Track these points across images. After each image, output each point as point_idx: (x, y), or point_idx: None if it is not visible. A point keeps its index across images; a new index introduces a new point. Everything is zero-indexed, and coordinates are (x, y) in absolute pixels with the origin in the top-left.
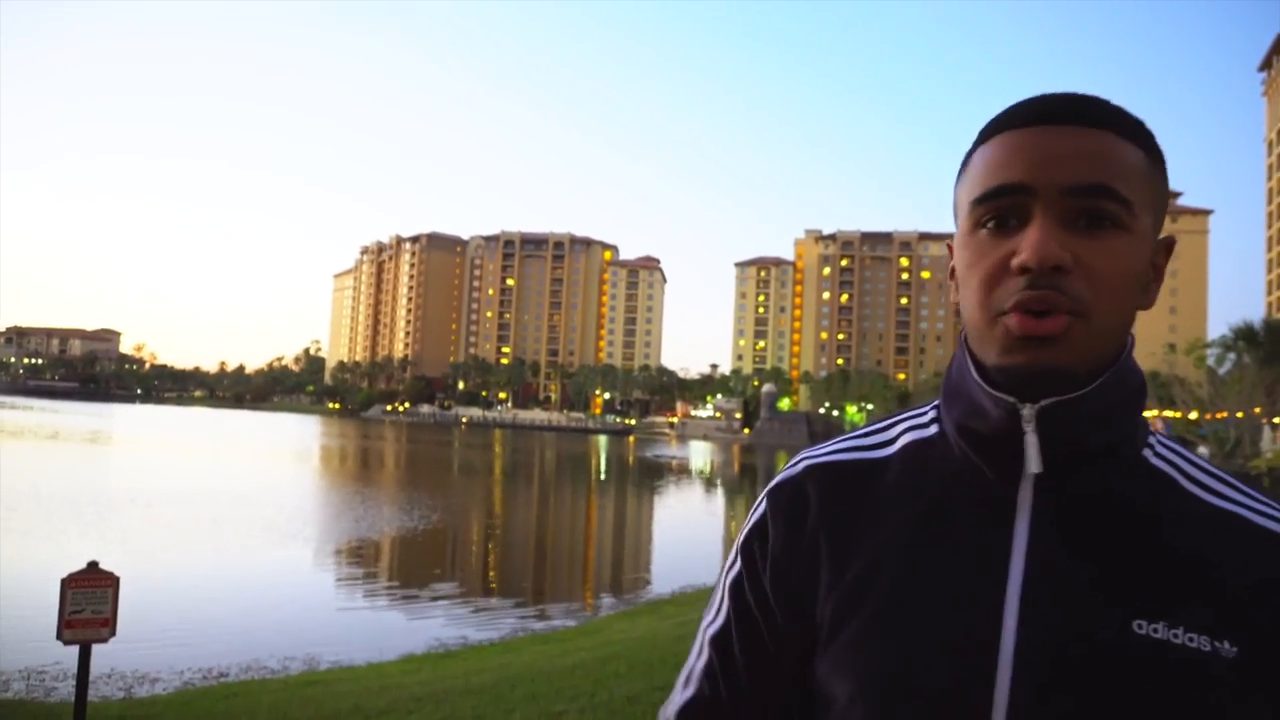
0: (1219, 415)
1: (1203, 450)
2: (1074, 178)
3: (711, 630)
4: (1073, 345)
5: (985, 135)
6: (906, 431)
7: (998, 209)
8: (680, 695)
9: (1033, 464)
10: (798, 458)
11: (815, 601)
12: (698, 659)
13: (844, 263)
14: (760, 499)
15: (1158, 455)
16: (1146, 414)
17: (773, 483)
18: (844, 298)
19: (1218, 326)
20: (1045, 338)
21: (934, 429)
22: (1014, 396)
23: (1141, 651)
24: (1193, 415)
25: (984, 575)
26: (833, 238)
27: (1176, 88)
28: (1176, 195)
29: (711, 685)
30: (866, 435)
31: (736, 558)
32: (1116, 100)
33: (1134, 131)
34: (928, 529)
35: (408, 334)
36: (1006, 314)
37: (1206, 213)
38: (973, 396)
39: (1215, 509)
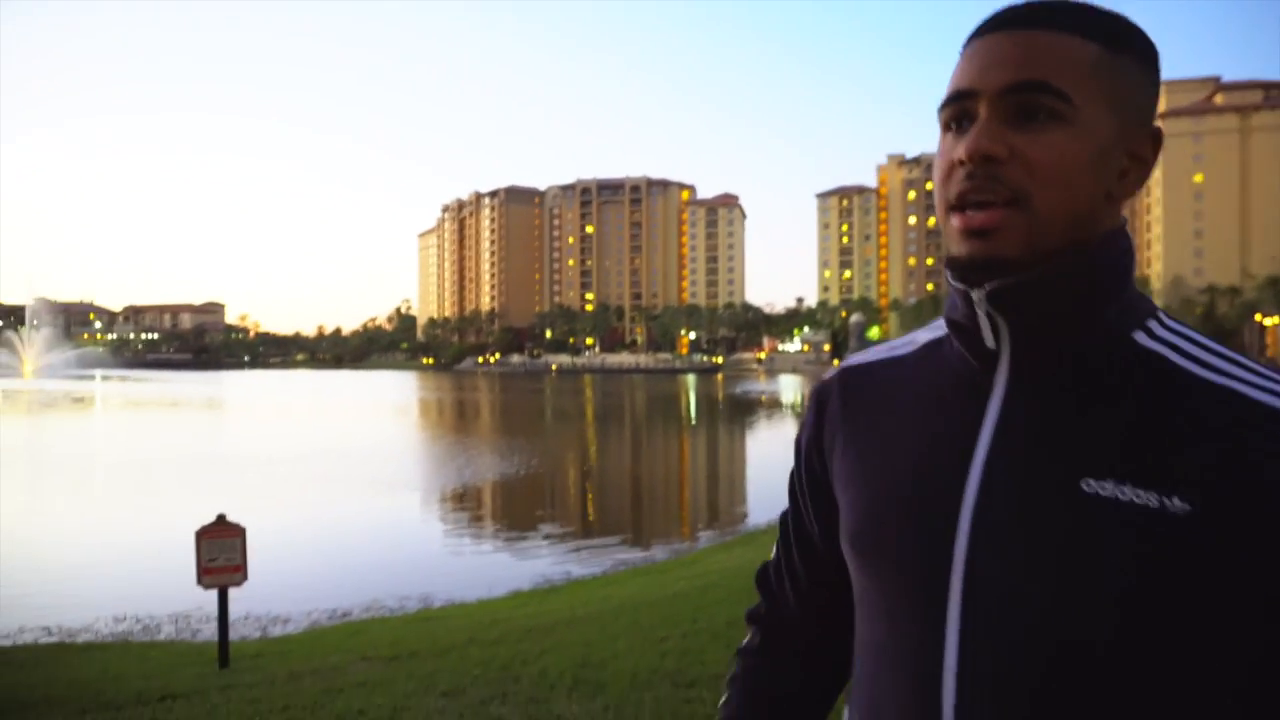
0: None
1: None
2: (1008, 78)
3: (782, 511)
4: (1011, 236)
5: (961, 50)
6: (929, 334)
7: (954, 113)
8: (768, 561)
9: (988, 340)
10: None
11: (831, 475)
12: (779, 533)
13: (929, 186)
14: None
15: (1152, 336)
16: (1268, 321)
17: (814, 385)
18: (930, 222)
19: None
20: (979, 230)
21: (947, 329)
22: (967, 286)
23: (1090, 507)
24: None
25: (955, 447)
26: (916, 161)
27: None
28: (1218, 82)
29: (777, 554)
30: (899, 341)
31: (796, 453)
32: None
33: (1084, 26)
34: (920, 411)
35: (493, 287)
36: (953, 209)
37: None
38: (952, 292)
39: (1205, 382)
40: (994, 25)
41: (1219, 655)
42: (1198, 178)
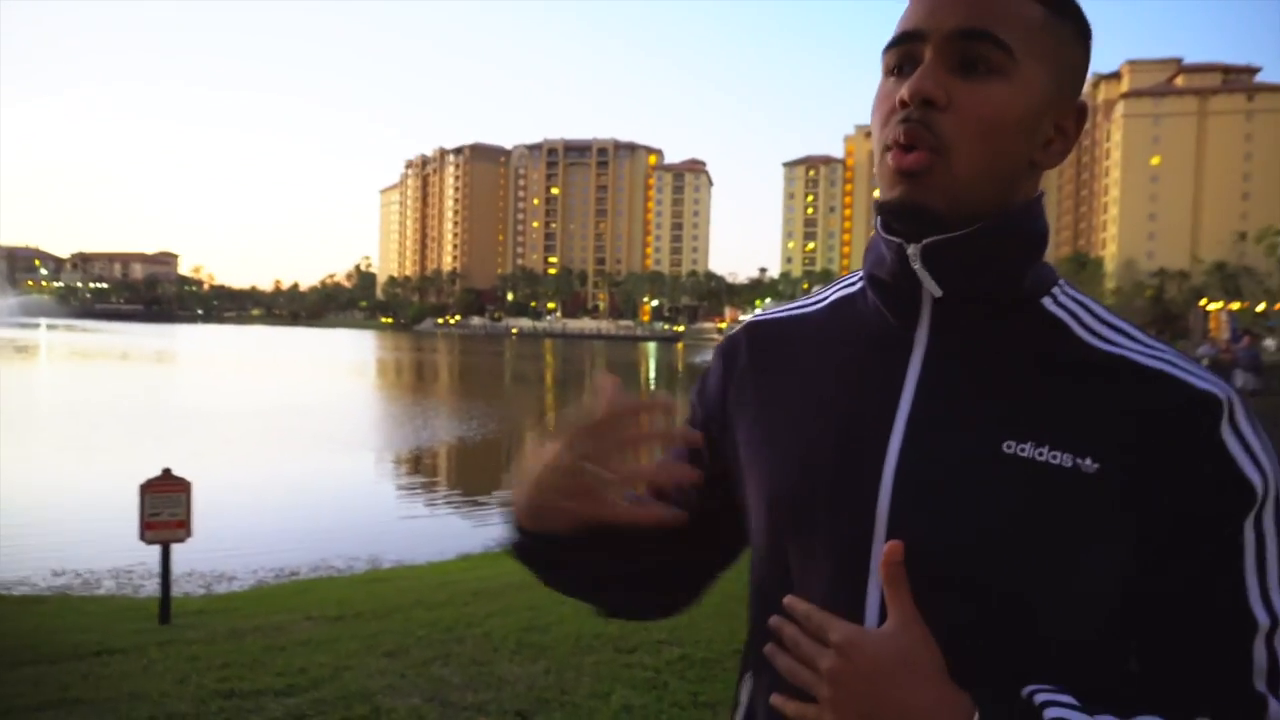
0: None
1: (1269, 343)
2: (955, 23)
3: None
4: (933, 183)
5: None
6: (838, 291)
7: (898, 55)
8: None
9: (933, 289)
10: (746, 318)
11: (735, 431)
12: None
13: None
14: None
15: (1057, 304)
16: (1211, 307)
17: (720, 340)
18: None
19: None
20: (909, 172)
21: (859, 285)
22: (904, 239)
23: (1009, 467)
24: (1260, 307)
25: (875, 407)
26: None
27: None
28: (1179, 64)
29: None
30: (807, 298)
31: (692, 401)
32: None
33: None
34: (838, 369)
35: (455, 247)
36: (888, 150)
37: None
38: (877, 245)
39: (1103, 352)
40: None
41: (1110, 589)
42: (1155, 160)
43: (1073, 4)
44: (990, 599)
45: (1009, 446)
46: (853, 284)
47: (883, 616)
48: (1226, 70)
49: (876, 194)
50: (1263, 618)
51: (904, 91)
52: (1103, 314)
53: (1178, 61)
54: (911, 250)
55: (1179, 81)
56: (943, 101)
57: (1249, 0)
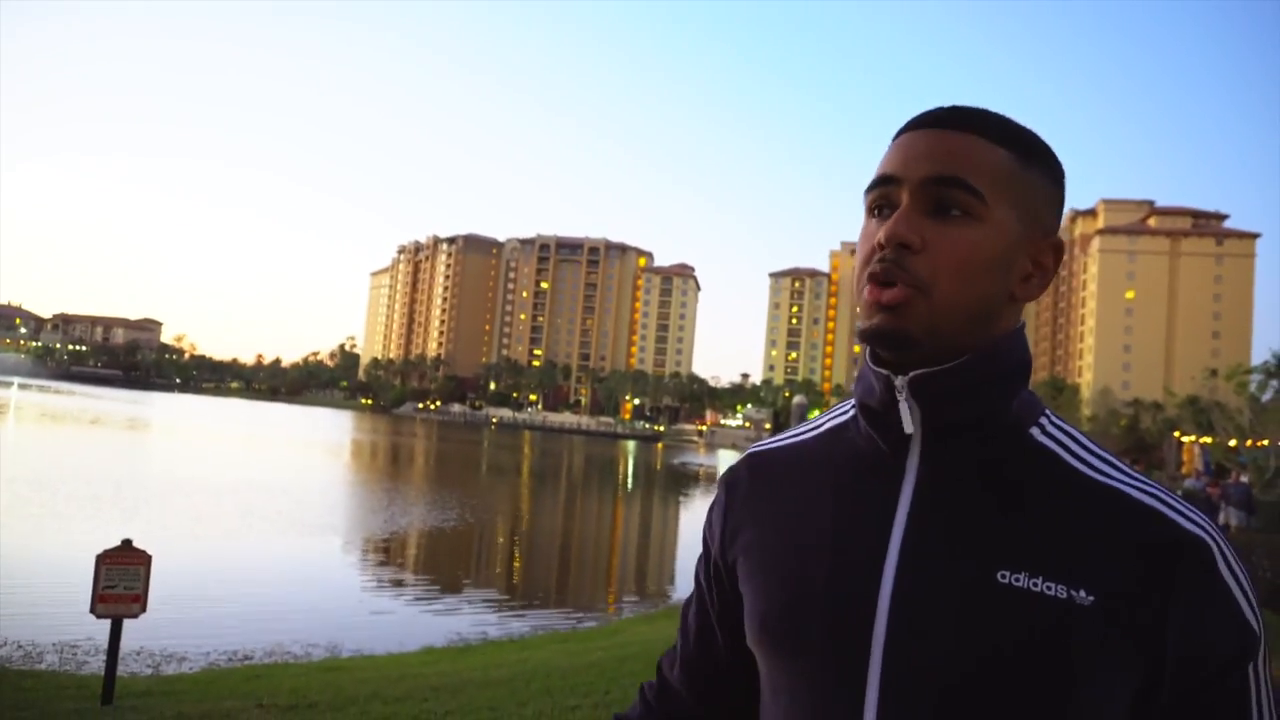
0: (1260, 443)
1: (1243, 479)
2: (929, 170)
3: (686, 601)
4: (912, 315)
5: (891, 141)
6: (832, 419)
7: (877, 198)
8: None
9: (908, 425)
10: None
11: (737, 561)
12: (681, 620)
13: None
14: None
15: (1045, 433)
16: (1185, 439)
17: (723, 473)
18: None
19: (1262, 352)
20: (887, 305)
21: (850, 414)
22: (889, 370)
23: (1005, 597)
24: (1232, 442)
25: (869, 534)
26: None
27: (1227, 113)
28: (1152, 206)
29: (675, 643)
30: (804, 427)
31: (704, 537)
32: (1158, 121)
33: (999, 135)
34: (831, 497)
35: (441, 333)
36: (866, 286)
37: (1254, 236)
38: (866, 376)
39: (1095, 482)
40: (922, 123)
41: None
42: (1129, 294)
43: (1042, 149)
44: None
45: (1003, 576)
46: (845, 412)
47: None
48: (1196, 215)
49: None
50: None
51: (881, 235)
52: (1090, 445)
53: (1150, 203)
54: (899, 382)
55: (1152, 222)
56: (917, 245)
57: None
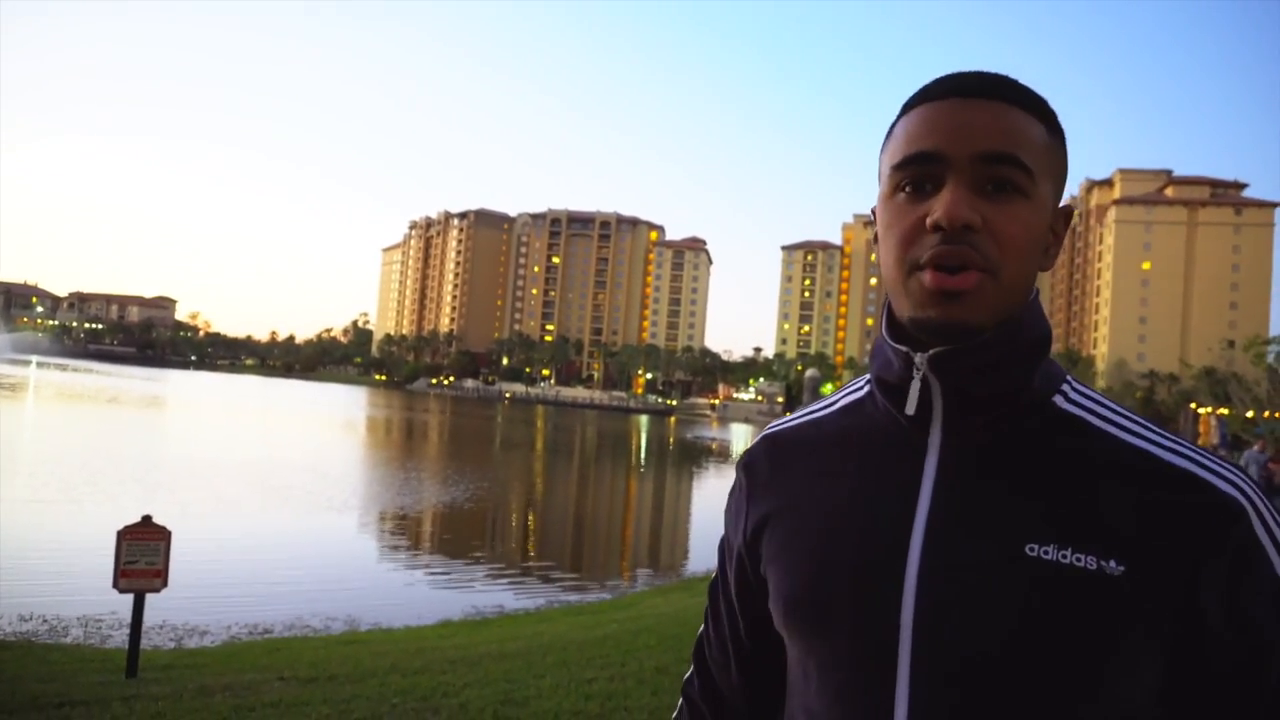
0: (1278, 414)
1: (1256, 449)
2: (983, 146)
3: (713, 580)
4: (982, 301)
5: (907, 108)
6: (846, 396)
7: (914, 175)
8: (700, 632)
9: (910, 405)
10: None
11: (760, 542)
12: (707, 605)
13: None
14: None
15: (1069, 400)
16: (1201, 411)
17: (742, 455)
18: None
19: None
20: (955, 292)
21: (865, 390)
22: (912, 347)
23: (1035, 570)
24: (1249, 414)
25: (893, 511)
26: None
27: (1247, 80)
28: (1170, 175)
29: (707, 625)
30: (819, 405)
31: (726, 520)
32: (1178, 88)
33: (1036, 107)
34: (847, 473)
35: (454, 309)
36: (921, 269)
37: (1273, 205)
38: (883, 351)
39: (1124, 444)
40: (955, 91)
41: (1141, 697)
42: (1145, 265)
43: (1056, 115)
44: (1018, 706)
45: (1032, 549)
46: (859, 389)
47: None
48: (1214, 184)
49: (899, 307)
50: None
51: (941, 217)
52: (1116, 408)
53: (1168, 173)
54: (918, 359)
55: (1169, 192)
56: (978, 225)
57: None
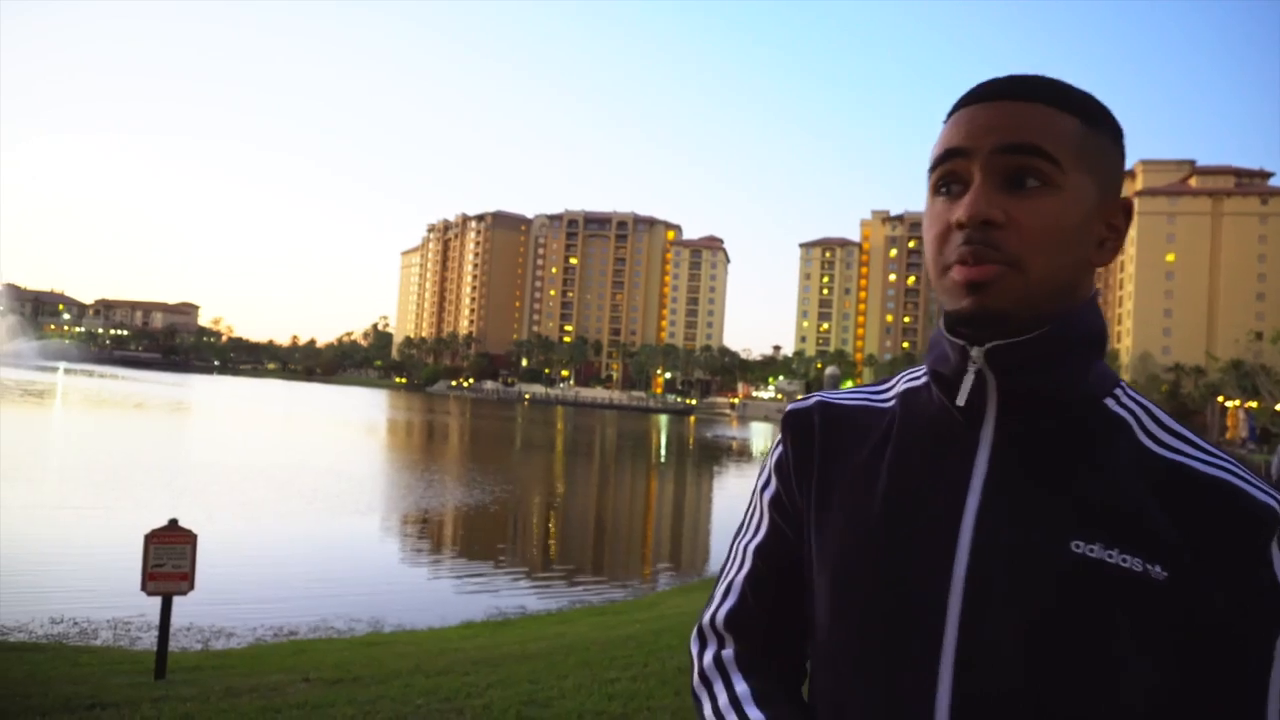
0: None
1: None
2: (1001, 139)
3: (755, 543)
4: (1006, 291)
5: (946, 118)
6: (904, 382)
7: (945, 174)
8: (724, 604)
9: (962, 397)
10: (811, 395)
11: (808, 511)
12: (738, 571)
13: (911, 244)
14: (781, 427)
15: (1120, 404)
16: (1229, 404)
17: (787, 410)
18: (910, 280)
19: None
20: (979, 283)
21: (924, 379)
22: (967, 341)
23: (1079, 567)
24: (1278, 407)
25: (946, 500)
26: (900, 219)
27: (1273, 66)
28: (1193, 165)
29: (756, 592)
30: (873, 388)
31: (771, 476)
32: (1214, 84)
33: (1066, 101)
34: (904, 459)
35: (472, 311)
36: (951, 267)
37: None
38: (940, 343)
39: (1165, 456)
40: (979, 96)
41: (1152, 702)
42: (1170, 257)
43: (1104, 111)
44: (1050, 700)
45: (1078, 546)
46: (917, 377)
47: (953, 711)
48: (1239, 174)
49: (943, 304)
50: None
51: (961, 215)
52: (1163, 418)
53: (1191, 163)
54: (975, 353)
55: (1193, 183)
56: (1000, 220)
57: (1260, 108)
